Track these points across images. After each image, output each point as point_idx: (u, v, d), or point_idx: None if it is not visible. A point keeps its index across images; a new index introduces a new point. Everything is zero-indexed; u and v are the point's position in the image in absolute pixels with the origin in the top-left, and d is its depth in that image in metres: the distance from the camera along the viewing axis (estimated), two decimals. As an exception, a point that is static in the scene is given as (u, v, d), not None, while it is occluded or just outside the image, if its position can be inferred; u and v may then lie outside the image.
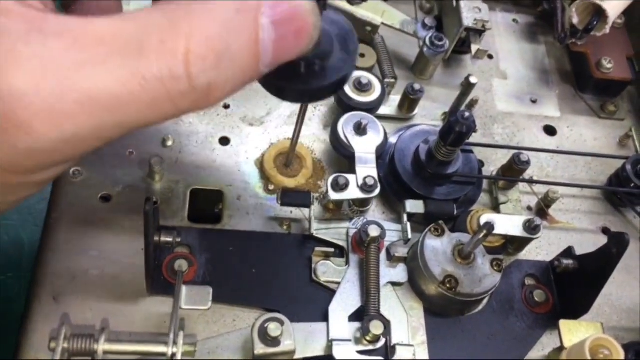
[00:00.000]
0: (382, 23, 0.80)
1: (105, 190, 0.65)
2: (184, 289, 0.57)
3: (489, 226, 0.58)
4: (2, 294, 0.81)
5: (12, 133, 0.34)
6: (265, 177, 0.69)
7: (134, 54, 0.34)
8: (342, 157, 0.70)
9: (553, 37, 0.88)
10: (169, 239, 0.58)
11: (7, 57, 0.34)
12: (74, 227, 0.62)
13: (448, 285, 0.61)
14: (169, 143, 0.69)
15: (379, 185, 0.66)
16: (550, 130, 0.81)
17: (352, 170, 0.67)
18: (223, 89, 0.37)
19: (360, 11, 0.80)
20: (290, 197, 0.65)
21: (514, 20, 0.90)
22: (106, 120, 0.35)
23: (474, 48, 0.77)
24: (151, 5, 0.38)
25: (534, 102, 0.83)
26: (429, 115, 0.78)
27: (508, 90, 0.83)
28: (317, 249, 0.64)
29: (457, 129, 0.63)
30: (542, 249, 0.70)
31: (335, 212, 0.68)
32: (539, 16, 0.90)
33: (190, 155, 0.69)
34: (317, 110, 0.76)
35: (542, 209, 0.73)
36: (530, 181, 0.72)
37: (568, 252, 0.66)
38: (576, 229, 0.73)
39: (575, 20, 0.78)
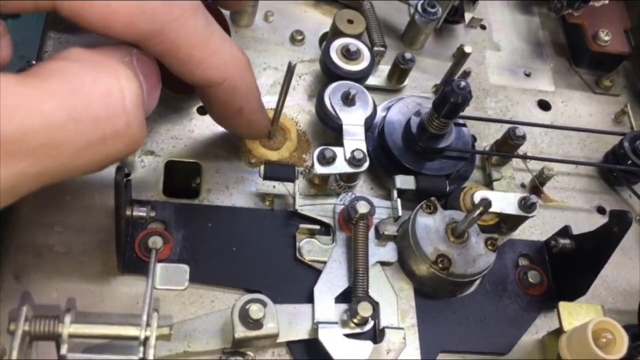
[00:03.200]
0: (372, -12, 0.75)
1: (73, 161, 0.60)
2: (159, 268, 0.53)
3: (486, 203, 0.55)
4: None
5: None
6: (246, 149, 0.65)
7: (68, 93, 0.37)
8: (328, 129, 0.66)
9: (547, 8, 0.85)
10: (142, 214, 0.54)
11: None
12: (36, 199, 0.57)
13: (440, 265, 0.57)
14: (143, 111, 0.64)
15: (367, 159, 0.62)
16: (544, 105, 0.77)
17: (340, 143, 0.63)
18: None
19: (349, -25, 0.75)
20: (274, 170, 0.60)
21: (508, -10, 0.87)
22: (43, 163, 0.37)
23: (468, 16, 0.74)
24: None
25: (527, 75, 0.79)
26: (420, 87, 0.74)
27: (501, 62, 0.79)
28: (302, 226, 0.60)
29: (452, 99, 0.59)
30: (536, 228, 0.67)
31: (321, 187, 0.64)
32: (533, -14, 0.87)
33: (166, 125, 0.64)
34: (302, 80, 0.71)
35: (537, 186, 0.70)
36: (525, 157, 0.69)
37: (564, 232, 0.63)
38: (570, 208, 0.70)
39: (573, -11, 0.75)
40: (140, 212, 0.54)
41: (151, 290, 0.48)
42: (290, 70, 0.56)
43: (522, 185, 0.70)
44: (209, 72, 0.49)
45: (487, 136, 0.72)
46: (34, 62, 0.91)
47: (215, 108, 0.56)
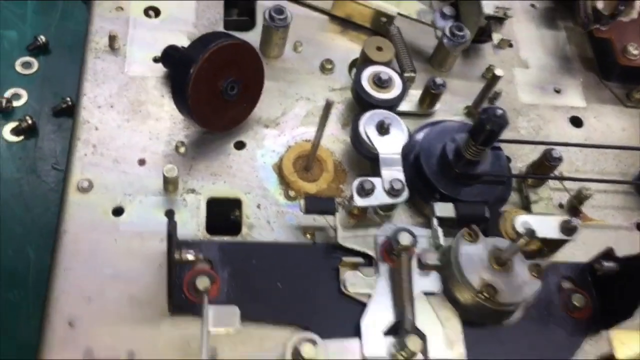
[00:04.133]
0: (398, 13, 0.76)
1: (116, 203, 0.61)
2: (210, 310, 0.54)
3: (530, 233, 0.55)
4: (8, 315, 0.76)
5: None
6: (284, 182, 0.65)
7: None
8: (364, 158, 0.66)
9: (573, 22, 0.85)
10: (191, 257, 0.55)
11: None
12: (85, 243, 0.58)
13: (486, 294, 0.57)
14: (182, 150, 0.65)
15: (406, 188, 0.62)
16: (576, 122, 0.77)
17: (376, 172, 0.64)
18: None
19: (374, 2, 0.75)
20: (314, 204, 0.61)
21: (532, 5, 0.87)
22: None
23: (496, 37, 0.74)
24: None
25: (557, 92, 0.79)
26: (451, 110, 0.74)
27: (530, 80, 0.79)
28: (345, 259, 0.60)
29: (488, 127, 0.60)
30: (577, 249, 0.67)
31: (360, 217, 0.65)
32: (557, 0, 0.86)
33: (205, 162, 0.65)
34: (335, 109, 0.72)
35: (575, 206, 0.69)
36: (562, 178, 0.69)
37: (608, 254, 0.63)
38: (610, 226, 0.70)
39: (600, 5, 0.74)
40: (188, 255, 0.55)
41: (206, 336, 0.49)
42: (328, 108, 0.57)
43: (560, 206, 0.70)
44: None
45: (522, 156, 0.72)
46: (68, 98, 0.93)
47: None
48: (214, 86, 0.61)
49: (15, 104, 0.88)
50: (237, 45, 0.61)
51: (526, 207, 0.68)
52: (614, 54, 0.78)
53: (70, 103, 0.88)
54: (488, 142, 0.61)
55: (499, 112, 0.59)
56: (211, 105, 0.62)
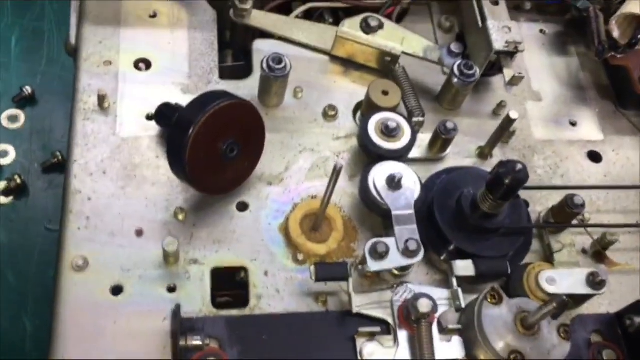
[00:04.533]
0: (403, 52, 0.72)
1: (115, 281, 0.57)
2: (222, 402, 0.50)
3: (561, 301, 0.51)
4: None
5: None
6: (292, 245, 0.61)
7: None
8: (375, 214, 0.63)
9: (585, 47, 0.81)
10: (198, 343, 0.51)
11: None
12: (84, 328, 0.54)
13: (514, 363, 0.54)
14: (181, 217, 0.61)
15: (422, 248, 0.58)
16: (595, 157, 0.73)
17: (388, 227, 0.60)
18: None
19: (377, 40, 0.72)
20: (326, 271, 0.57)
21: (541, 30, 0.83)
22: None
23: (508, 74, 0.70)
24: None
25: (573, 124, 0.75)
26: (462, 152, 0.71)
27: (544, 113, 0.75)
28: (361, 329, 0.57)
29: (507, 182, 0.56)
30: (604, 298, 0.63)
31: (373, 278, 0.61)
32: (568, 24, 0.83)
33: (207, 228, 0.61)
34: (340, 158, 0.68)
35: (599, 251, 0.66)
36: (586, 225, 0.65)
37: (638, 307, 0.59)
38: (637, 271, 0.66)
39: (616, 34, 0.71)
40: (195, 340, 0.51)
41: None
42: (337, 172, 0.53)
43: (584, 251, 0.66)
44: None
45: (540, 199, 0.69)
46: (59, 153, 0.88)
47: None
48: (213, 149, 0.57)
49: (3, 162, 0.84)
50: (236, 105, 0.57)
51: (549, 256, 0.64)
52: (631, 83, 0.74)
53: (60, 158, 0.83)
54: (507, 197, 0.57)
55: (519, 166, 0.55)
56: (210, 169, 0.58)
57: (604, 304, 0.63)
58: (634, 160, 0.74)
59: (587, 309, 0.62)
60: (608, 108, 0.77)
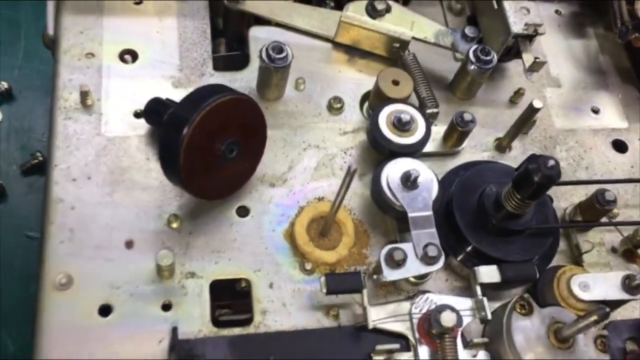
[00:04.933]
0: (413, 37, 0.66)
1: (103, 300, 0.51)
2: None
3: (602, 313, 0.46)
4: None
5: None
6: (299, 253, 0.56)
7: None
8: (389, 216, 0.57)
9: (604, 29, 0.76)
10: (198, 372, 0.45)
11: None
12: (69, 354, 0.48)
13: (548, 380, 0.49)
14: (175, 225, 0.55)
15: (442, 254, 0.53)
16: (619, 146, 0.68)
17: (403, 230, 0.55)
18: None
19: (385, 25, 0.66)
20: (337, 282, 0.52)
21: (557, 11, 0.77)
22: None
23: (527, 59, 0.64)
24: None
25: (595, 112, 0.70)
26: (479, 145, 0.65)
27: (564, 100, 0.70)
28: (378, 347, 0.51)
29: (537, 179, 0.50)
30: (638, 302, 0.58)
31: (389, 287, 0.56)
32: (584, 4, 0.77)
33: (204, 237, 0.55)
34: (348, 156, 0.62)
35: (629, 249, 0.61)
36: (617, 223, 0.60)
37: (679, 312, 0.54)
38: (671, 269, 0.61)
39: (641, 13, 0.65)
40: (194, 370, 0.46)
41: None
42: (350, 175, 0.47)
43: (613, 250, 0.61)
44: None
45: (564, 194, 0.63)
46: (39, 153, 0.82)
47: None
48: (211, 150, 0.51)
49: (-21, 165, 0.77)
50: (235, 101, 0.51)
51: (578, 257, 0.59)
52: (657, 66, 0.69)
53: (41, 158, 0.77)
54: (536, 196, 0.52)
55: (551, 162, 0.50)
56: (207, 171, 0.52)
57: (638, 307, 0.59)
58: (661, 150, 0.69)
59: (619, 313, 0.58)
60: (631, 93, 0.72)
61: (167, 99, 0.59)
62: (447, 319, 0.49)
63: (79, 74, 0.61)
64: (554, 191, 0.63)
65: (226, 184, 0.56)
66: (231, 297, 0.58)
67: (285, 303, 0.54)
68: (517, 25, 0.64)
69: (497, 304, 0.54)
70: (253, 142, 0.55)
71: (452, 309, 0.50)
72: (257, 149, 0.56)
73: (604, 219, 0.60)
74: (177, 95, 0.57)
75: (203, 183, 0.53)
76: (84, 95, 0.59)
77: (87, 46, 0.63)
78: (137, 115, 0.60)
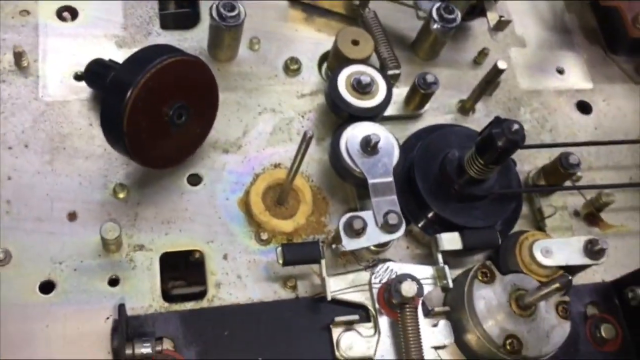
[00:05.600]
0: (374, -6, 0.62)
1: (44, 276, 0.48)
2: (177, 419, 0.43)
3: (565, 282, 0.45)
4: None
5: None
6: (254, 222, 0.53)
7: None
8: (348, 183, 0.55)
9: (570, -14, 0.73)
10: (147, 350, 0.43)
11: None
12: (10, 334, 0.46)
13: (509, 348, 0.48)
14: (122, 195, 0.52)
15: (404, 222, 0.51)
16: (584, 107, 0.67)
17: (363, 197, 0.53)
18: None
19: (344, -20, 0.62)
20: (295, 253, 0.50)
21: (522, -33, 0.74)
22: None
23: (492, 17, 0.62)
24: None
25: (560, 72, 0.68)
26: (442, 108, 0.63)
27: (529, 60, 0.68)
28: (337, 319, 0.50)
29: (500, 144, 0.49)
30: (599, 266, 0.58)
31: (348, 256, 0.54)
32: (551, -40, 0.74)
33: (153, 207, 0.52)
34: (306, 119, 0.59)
35: (592, 213, 0.60)
36: (581, 187, 0.59)
37: (638, 277, 0.54)
38: (632, 232, 0.61)
39: (609, -31, 0.63)
40: (144, 348, 0.43)
41: None
42: (306, 142, 0.45)
43: (576, 213, 0.61)
44: None
45: (528, 157, 0.62)
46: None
47: None
48: (157, 115, 0.48)
49: None
50: (183, 62, 0.48)
51: (540, 221, 0.58)
52: (623, 25, 0.67)
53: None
54: (499, 160, 0.50)
55: (515, 126, 0.48)
56: (155, 138, 0.49)
57: (599, 271, 0.58)
58: (625, 110, 0.68)
59: (581, 278, 0.57)
60: (597, 54, 0.71)
61: (110, 60, 0.55)
62: (408, 288, 0.48)
63: (13, 33, 0.56)
64: (517, 154, 0.60)
65: (176, 151, 0.52)
66: (184, 269, 0.55)
67: (241, 275, 0.51)
68: (481, -19, 0.61)
69: (458, 272, 0.53)
70: (204, 106, 0.52)
71: (413, 279, 0.49)
72: (209, 113, 0.53)
73: (567, 183, 0.59)
74: (121, 56, 0.53)
75: (150, 150, 0.50)
76: (19, 56, 0.54)
77: (20, 3, 0.58)
78: (78, 77, 0.56)
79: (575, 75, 0.68)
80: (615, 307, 0.56)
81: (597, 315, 0.56)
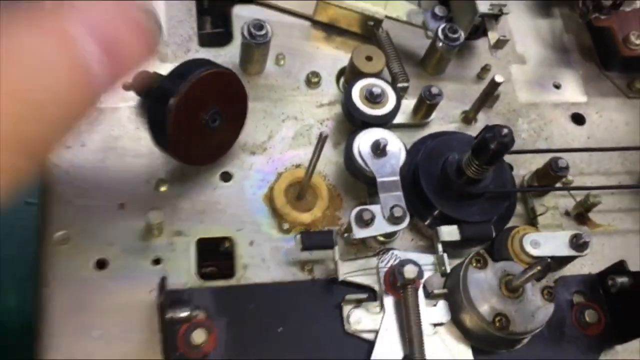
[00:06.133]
0: (386, 16, 0.70)
1: (99, 254, 0.56)
2: (209, 375, 0.51)
3: (545, 264, 0.51)
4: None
5: None
6: (277, 214, 0.61)
7: None
8: (360, 182, 0.62)
9: (569, 9, 0.80)
10: (185, 314, 0.51)
11: None
12: (68, 305, 0.54)
13: (498, 325, 0.54)
14: (164, 188, 0.60)
15: (407, 215, 0.58)
16: (578, 119, 0.73)
17: (373, 194, 0.60)
18: None
19: (360, 4, 0.70)
20: (311, 240, 0.57)
21: (525, -8, 0.81)
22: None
23: (492, 37, 0.69)
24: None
25: (557, 87, 0.75)
26: (447, 117, 0.70)
27: (528, 76, 0.75)
28: (348, 296, 0.57)
29: (492, 147, 0.56)
30: (586, 259, 0.64)
31: (359, 245, 0.61)
32: (552, -16, 0.82)
33: (190, 199, 0.60)
34: (324, 126, 0.67)
35: (581, 213, 0.66)
36: (569, 188, 0.66)
37: (620, 268, 0.60)
38: (619, 231, 0.67)
39: (600, -6, 0.70)
40: (182, 312, 0.51)
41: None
42: (322, 141, 0.53)
43: (567, 213, 0.67)
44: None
45: (524, 162, 0.69)
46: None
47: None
48: (196, 119, 0.56)
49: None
50: (218, 74, 0.56)
51: (533, 219, 0.65)
52: (615, 44, 0.73)
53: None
54: (492, 161, 0.57)
55: (505, 131, 0.55)
56: (193, 139, 0.57)
57: (586, 264, 0.64)
58: (617, 122, 0.74)
59: (569, 270, 0.63)
60: (592, 70, 0.77)
61: (155, 73, 0.63)
62: (410, 271, 0.55)
63: (74, 49, 0.65)
64: (514, 160, 0.68)
65: (210, 151, 0.61)
66: (216, 258, 0.63)
67: (265, 259, 0.59)
68: (483, 5, 0.68)
69: (457, 262, 0.60)
70: (235, 112, 0.60)
71: (414, 263, 0.56)
72: (239, 118, 0.61)
73: (558, 185, 0.66)
74: (164, 69, 0.62)
75: (189, 150, 0.58)
76: (79, 69, 0.63)
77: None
78: (126, 88, 0.64)
79: (571, 90, 0.75)
80: (599, 296, 0.62)
81: (582, 303, 0.62)
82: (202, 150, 0.59)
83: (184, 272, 0.57)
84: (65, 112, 0.35)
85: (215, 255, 0.62)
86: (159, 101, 0.54)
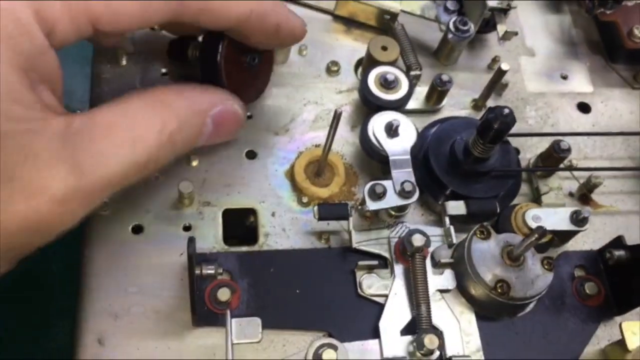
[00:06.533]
0: (402, 10, 0.76)
1: (135, 221, 0.62)
2: (233, 323, 0.56)
3: (541, 231, 0.56)
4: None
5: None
6: (297, 189, 0.66)
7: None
8: (374, 161, 0.67)
9: (578, 5, 0.84)
10: (211, 272, 0.57)
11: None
12: (109, 264, 0.60)
13: (500, 290, 0.59)
14: (194, 163, 0.66)
15: (417, 189, 0.63)
16: (584, 108, 0.77)
17: (386, 173, 0.65)
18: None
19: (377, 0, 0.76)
20: (327, 211, 0.62)
21: (536, -12, 0.86)
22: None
23: (501, 29, 0.73)
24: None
25: (564, 78, 0.79)
26: (458, 104, 0.75)
27: (537, 68, 0.79)
28: (360, 262, 0.62)
29: (495, 126, 0.60)
30: (588, 237, 0.68)
31: (372, 218, 0.66)
32: (561, -18, 0.86)
33: (218, 174, 0.66)
34: (343, 111, 0.72)
35: (584, 194, 0.70)
36: (571, 169, 0.69)
37: (618, 242, 0.64)
38: (620, 212, 0.71)
39: (605, -10, 0.74)
40: (209, 269, 0.57)
41: (232, 350, 0.51)
42: (337, 118, 0.58)
43: (570, 194, 0.71)
44: (233, 10, 0.53)
45: (531, 147, 0.73)
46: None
47: (254, 39, 0.59)
48: (239, 61, 0.62)
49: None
50: None
51: (537, 198, 0.69)
52: (620, 38, 0.77)
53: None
54: (495, 140, 0.62)
55: (506, 111, 0.59)
56: (240, 77, 0.62)
57: (588, 241, 0.68)
58: (621, 111, 0.77)
59: (572, 246, 0.67)
60: (598, 63, 0.81)
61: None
62: (418, 239, 0.59)
63: (116, 39, 0.72)
64: (521, 144, 0.73)
65: (253, 90, 0.67)
66: (241, 233, 0.68)
67: (285, 228, 0.64)
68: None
69: (464, 236, 0.64)
70: (265, 55, 0.65)
71: (422, 233, 0.61)
72: (268, 66, 0.68)
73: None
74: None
75: (240, 89, 0.62)
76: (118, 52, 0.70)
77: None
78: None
79: (577, 81, 0.79)
80: (599, 271, 0.66)
81: (583, 276, 0.66)
82: (248, 89, 0.65)
83: (211, 238, 0.63)
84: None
85: (241, 231, 0.68)
86: (208, 51, 0.59)
